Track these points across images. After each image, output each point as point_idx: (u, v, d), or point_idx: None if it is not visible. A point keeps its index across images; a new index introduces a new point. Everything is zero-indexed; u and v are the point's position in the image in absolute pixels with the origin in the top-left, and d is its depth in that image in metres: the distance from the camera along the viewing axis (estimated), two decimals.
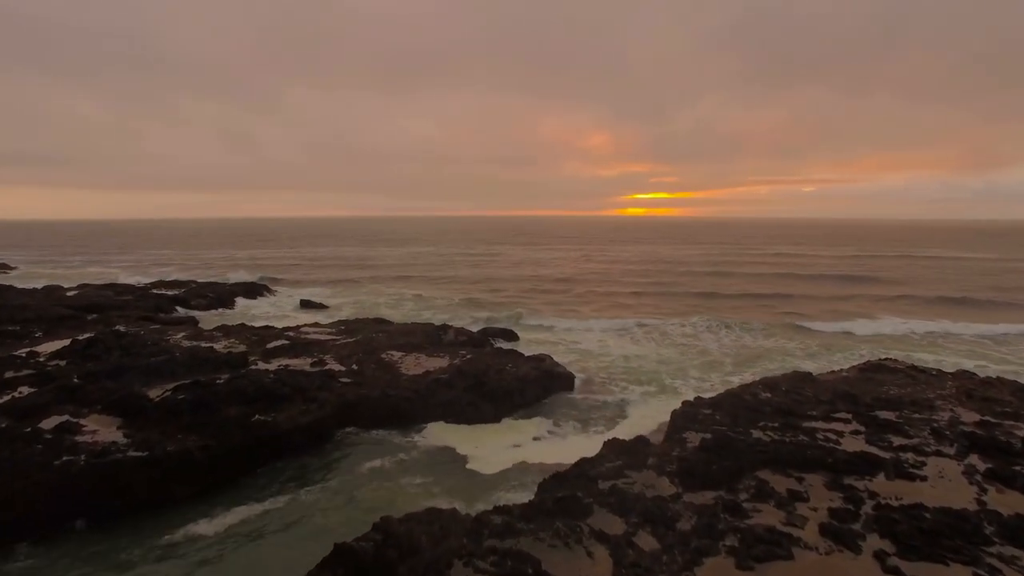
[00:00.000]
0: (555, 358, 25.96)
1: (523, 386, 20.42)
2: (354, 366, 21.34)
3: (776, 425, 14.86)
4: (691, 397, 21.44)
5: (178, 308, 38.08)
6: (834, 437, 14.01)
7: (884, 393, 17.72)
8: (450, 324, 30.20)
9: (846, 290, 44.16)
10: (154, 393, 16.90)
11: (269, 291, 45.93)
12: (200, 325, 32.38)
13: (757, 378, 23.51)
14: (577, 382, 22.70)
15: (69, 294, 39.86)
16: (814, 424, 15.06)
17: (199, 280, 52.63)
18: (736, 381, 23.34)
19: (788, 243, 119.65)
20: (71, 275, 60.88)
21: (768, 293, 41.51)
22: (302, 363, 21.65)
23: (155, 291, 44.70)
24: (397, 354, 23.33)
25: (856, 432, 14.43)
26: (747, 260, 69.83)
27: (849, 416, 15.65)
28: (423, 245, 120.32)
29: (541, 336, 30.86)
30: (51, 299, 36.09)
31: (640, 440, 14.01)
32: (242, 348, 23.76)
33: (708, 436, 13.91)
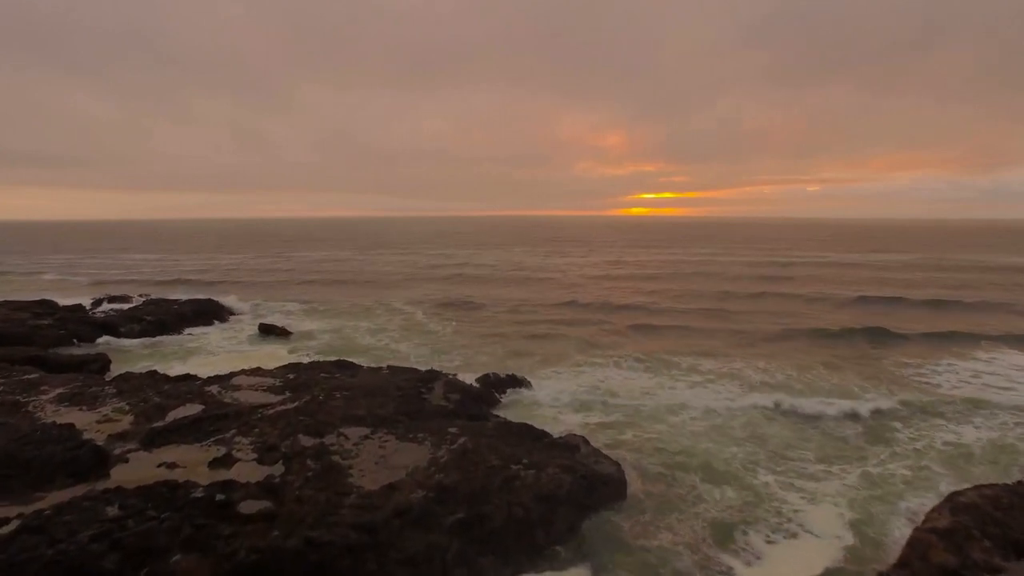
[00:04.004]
0: (592, 426, 18.28)
1: (550, 510, 12.40)
2: (279, 466, 13.40)
3: None
4: (819, 516, 13.51)
5: (104, 336, 30.34)
6: None
7: None
8: (439, 371, 22.25)
9: (948, 321, 34.34)
10: None
11: (229, 312, 38.01)
12: (112, 366, 24.69)
13: (908, 471, 15.53)
14: (629, 483, 14.65)
15: None
16: None
17: (154, 295, 45.04)
18: (876, 477, 15.28)
19: (820, 247, 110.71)
20: (16, 284, 53.54)
21: (852, 327, 32.49)
22: (198, 458, 13.75)
23: (92, 310, 37.13)
24: (353, 435, 15.34)
25: None
26: (796, 274, 59.89)
27: None
28: (429, 248, 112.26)
29: (566, 386, 22.75)
30: None
31: None
32: (124, 425, 15.88)
33: None
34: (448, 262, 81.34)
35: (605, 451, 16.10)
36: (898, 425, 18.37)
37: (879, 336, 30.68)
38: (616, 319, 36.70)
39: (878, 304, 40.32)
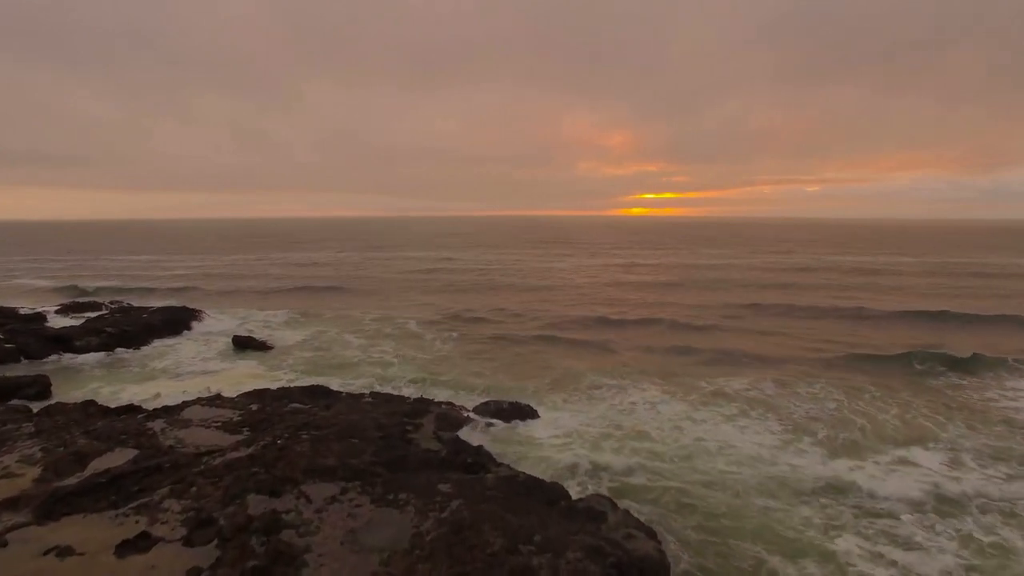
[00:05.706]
0: (611, 470, 15.11)
1: None
2: (211, 550, 10.07)
3: None
4: None
5: (59, 351, 27.02)
6: None
7: None
8: (431, 399, 18.93)
9: (1001, 337, 30.57)
10: None
11: (205, 321, 34.67)
12: (54, 390, 21.36)
13: None
14: (674, 563, 11.30)
15: None
16: None
17: (129, 302, 41.83)
18: (986, 546, 11.91)
19: (831, 249, 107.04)
20: None
21: (894, 344, 28.53)
22: (106, 537, 10.42)
23: (52, 320, 33.86)
24: (317, 496, 11.99)
25: None
26: (819, 281, 55.58)
27: None
28: (429, 250, 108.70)
29: (579, 418, 19.37)
30: None
31: None
32: (25, 482, 12.52)
33: None
34: (448, 265, 77.96)
35: (631, 507, 12.92)
36: (999, 474, 14.93)
37: (927, 356, 26.78)
38: (631, 332, 33.21)
39: (919, 318, 36.41)
